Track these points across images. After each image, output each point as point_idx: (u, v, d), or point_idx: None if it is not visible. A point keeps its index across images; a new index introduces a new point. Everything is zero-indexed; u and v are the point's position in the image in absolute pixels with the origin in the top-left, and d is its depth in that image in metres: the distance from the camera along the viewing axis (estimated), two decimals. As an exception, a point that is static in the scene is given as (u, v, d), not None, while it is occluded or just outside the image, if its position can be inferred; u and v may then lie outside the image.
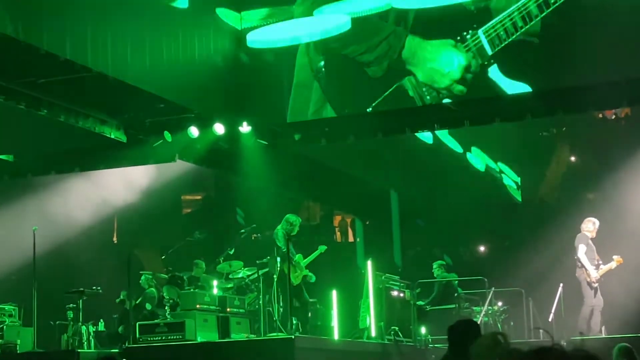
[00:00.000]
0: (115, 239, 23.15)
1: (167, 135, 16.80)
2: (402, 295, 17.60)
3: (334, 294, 16.95)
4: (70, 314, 16.04)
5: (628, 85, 15.56)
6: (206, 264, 18.06)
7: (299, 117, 17.15)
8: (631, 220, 19.25)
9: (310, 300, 16.89)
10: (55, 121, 15.59)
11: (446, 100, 16.17)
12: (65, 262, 20.07)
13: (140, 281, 17.75)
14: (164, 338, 14.58)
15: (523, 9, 15.41)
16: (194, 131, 16.83)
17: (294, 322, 14.88)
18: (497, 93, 15.92)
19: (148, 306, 17.07)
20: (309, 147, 18.30)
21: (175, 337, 14.53)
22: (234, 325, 15.38)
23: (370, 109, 16.58)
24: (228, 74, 16.92)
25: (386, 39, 16.25)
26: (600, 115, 21.50)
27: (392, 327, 16.62)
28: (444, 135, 20.76)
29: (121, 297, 17.41)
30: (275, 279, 15.54)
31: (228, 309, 15.54)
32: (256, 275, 16.16)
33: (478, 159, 22.49)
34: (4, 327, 15.81)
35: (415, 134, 19.24)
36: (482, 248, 24.81)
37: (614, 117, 21.38)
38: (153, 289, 17.59)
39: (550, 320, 16.81)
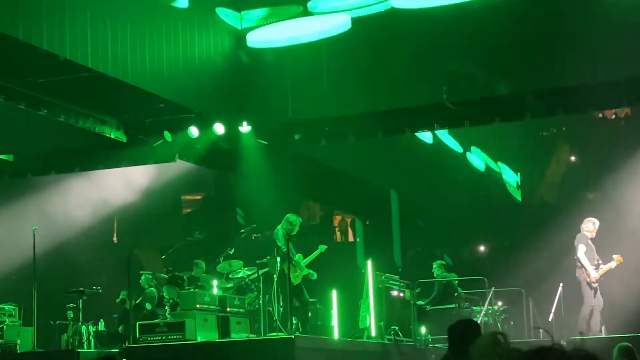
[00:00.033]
0: (115, 239, 23.17)
1: (167, 135, 16.80)
2: (402, 295, 17.59)
3: (334, 293, 16.94)
4: (70, 314, 16.03)
5: (628, 85, 15.56)
6: (206, 264, 18.03)
7: (299, 117, 17.15)
8: (631, 220, 19.25)
9: (310, 300, 16.85)
10: (55, 121, 15.59)
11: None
12: (65, 262, 20.08)
13: (140, 281, 17.73)
14: (164, 338, 14.56)
15: None
16: (194, 131, 16.83)
17: (294, 321, 14.85)
18: (497, 93, 15.94)
19: (148, 306, 17.06)
20: (309, 147, 18.30)
21: (175, 337, 14.51)
22: (234, 325, 15.37)
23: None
24: (228, 74, 16.89)
25: None
26: (600, 115, 21.53)
27: (392, 327, 16.60)
28: (444, 135, 20.74)
29: (121, 297, 17.41)
30: (275, 279, 15.51)
31: (228, 309, 15.52)
32: (256, 275, 16.14)
33: (478, 158, 22.48)
34: (4, 327, 15.80)
35: (415, 133, 19.22)
36: (482, 248, 24.82)
37: (614, 117, 21.40)
38: (153, 288, 17.57)
39: (550, 320, 16.79)
